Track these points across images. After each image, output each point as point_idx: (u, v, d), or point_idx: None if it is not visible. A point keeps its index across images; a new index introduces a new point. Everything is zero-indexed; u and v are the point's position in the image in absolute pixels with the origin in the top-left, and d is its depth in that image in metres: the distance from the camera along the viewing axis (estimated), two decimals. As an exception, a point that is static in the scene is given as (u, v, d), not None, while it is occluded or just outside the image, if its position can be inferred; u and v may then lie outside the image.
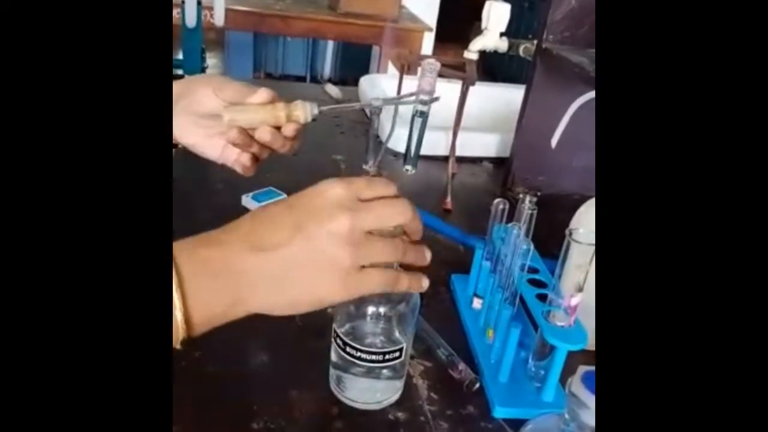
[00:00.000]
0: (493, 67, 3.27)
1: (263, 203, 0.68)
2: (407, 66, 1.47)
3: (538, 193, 0.85)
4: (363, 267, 0.36)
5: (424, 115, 0.56)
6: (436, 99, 0.54)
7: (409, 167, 0.59)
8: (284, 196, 0.70)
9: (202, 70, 1.02)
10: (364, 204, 0.37)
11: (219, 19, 1.29)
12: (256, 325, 0.51)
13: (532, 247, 0.48)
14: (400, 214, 0.38)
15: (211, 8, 1.38)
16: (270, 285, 0.35)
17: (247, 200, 0.69)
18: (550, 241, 0.55)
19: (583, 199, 0.65)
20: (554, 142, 0.58)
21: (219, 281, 0.34)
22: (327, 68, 3.16)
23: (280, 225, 0.36)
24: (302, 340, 0.50)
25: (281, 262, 0.35)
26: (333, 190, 0.37)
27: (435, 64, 0.53)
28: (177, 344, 0.33)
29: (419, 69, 0.55)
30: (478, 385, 0.48)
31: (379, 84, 1.09)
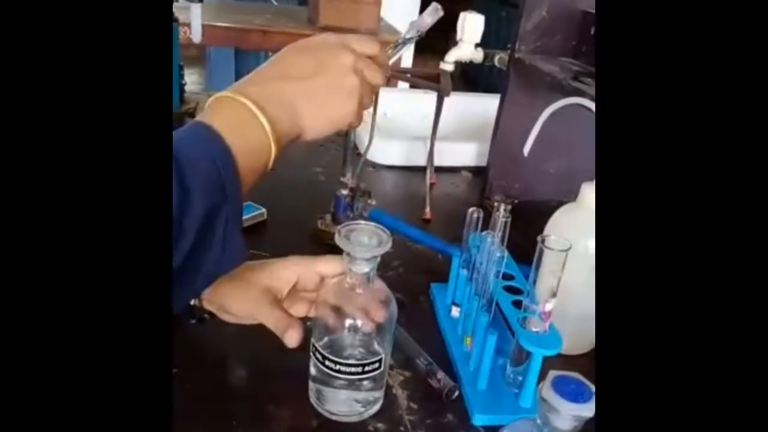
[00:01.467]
0: (473, 77, 3.31)
1: (243, 218, 0.68)
2: (387, 79, 1.48)
3: (516, 201, 0.87)
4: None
5: (409, 40, 0.64)
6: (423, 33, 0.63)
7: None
8: (263, 210, 0.70)
9: (181, 86, 1.02)
10: (356, 52, 0.47)
11: (196, 35, 1.29)
12: (234, 342, 0.51)
13: (506, 254, 0.49)
14: (372, 49, 0.48)
15: (188, 24, 1.38)
16: (311, 105, 0.44)
17: (225, 216, 0.68)
18: (527, 247, 0.56)
19: (560, 206, 0.66)
20: (527, 150, 0.58)
21: (281, 105, 0.43)
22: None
23: (304, 62, 0.45)
24: (281, 355, 0.50)
25: (315, 87, 0.44)
26: (331, 37, 0.48)
27: (439, 10, 0.61)
28: (270, 163, 0.42)
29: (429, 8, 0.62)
30: (457, 393, 0.48)
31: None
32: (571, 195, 0.71)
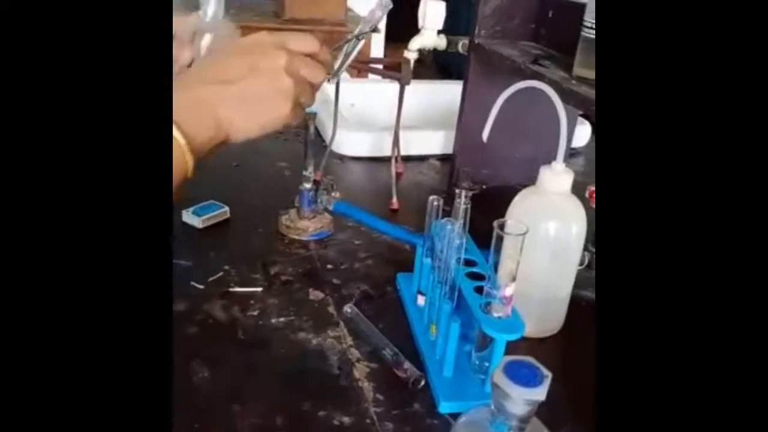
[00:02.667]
0: (445, 64, 3.30)
1: (204, 217, 0.67)
2: (357, 71, 1.47)
3: (483, 186, 0.87)
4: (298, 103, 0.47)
5: (359, 40, 0.62)
6: (374, 30, 0.62)
7: (332, 75, 0.63)
8: (226, 208, 0.69)
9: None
10: (292, 49, 0.47)
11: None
12: (196, 342, 0.50)
13: (465, 240, 0.48)
14: (310, 46, 0.48)
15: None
16: (240, 109, 0.44)
17: (187, 215, 0.67)
18: (492, 232, 0.56)
19: (526, 189, 0.66)
20: (485, 135, 0.58)
21: (204, 111, 0.42)
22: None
23: (235, 64, 0.44)
24: (243, 353, 0.50)
25: (244, 91, 0.44)
26: (266, 37, 0.47)
27: (389, 4, 0.61)
28: (189, 173, 0.41)
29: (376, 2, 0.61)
30: (423, 382, 0.48)
31: (324, 88, 1.08)
32: (537, 179, 0.71)
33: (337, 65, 0.61)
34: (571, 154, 1.00)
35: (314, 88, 0.49)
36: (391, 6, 0.60)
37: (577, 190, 0.55)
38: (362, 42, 0.62)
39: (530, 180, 0.86)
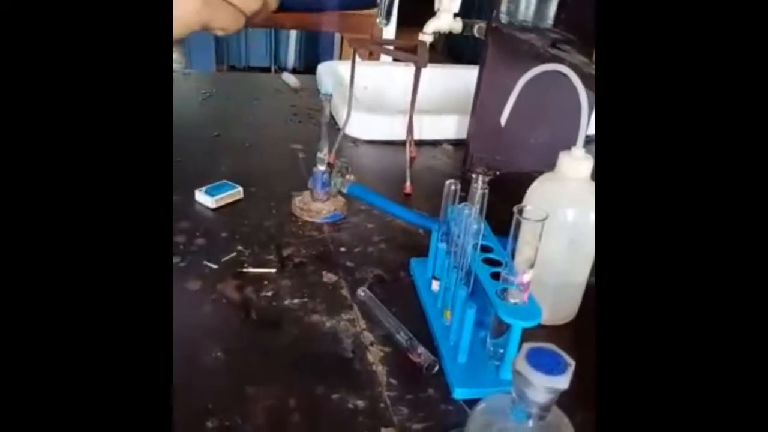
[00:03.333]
0: (458, 50, 3.26)
1: (218, 197, 0.67)
2: (368, 53, 1.45)
3: (497, 173, 0.86)
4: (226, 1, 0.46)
5: None
6: None
7: (383, 21, 0.66)
8: (239, 189, 0.69)
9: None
10: None
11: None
12: (210, 322, 0.50)
13: (483, 226, 0.48)
14: None
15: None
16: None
17: (200, 195, 0.67)
18: (508, 219, 0.55)
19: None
20: (503, 120, 0.57)
21: None
22: (291, 58, 3.12)
23: None
24: (257, 334, 0.50)
25: None
26: None
27: None
28: None
29: None
30: (437, 368, 0.48)
31: (337, 71, 1.08)
32: (553, 165, 0.70)
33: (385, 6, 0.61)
34: (587, 141, 0.99)
35: None
36: None
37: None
38: None
39: (545, 166, 0.85)
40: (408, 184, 0.76)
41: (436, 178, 0.83)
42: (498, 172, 0.85)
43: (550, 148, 0.85)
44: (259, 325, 0.50)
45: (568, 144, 0.54)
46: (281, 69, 3.10)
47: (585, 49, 0.64)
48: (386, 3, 0.60)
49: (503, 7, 0.74)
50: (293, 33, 3.00)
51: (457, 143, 0.93)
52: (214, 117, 0.93)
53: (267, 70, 3.07)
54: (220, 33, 0.48)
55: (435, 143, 0.94)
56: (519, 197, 0.56)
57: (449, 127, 0.95)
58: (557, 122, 0.82)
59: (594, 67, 0.59)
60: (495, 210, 0.50)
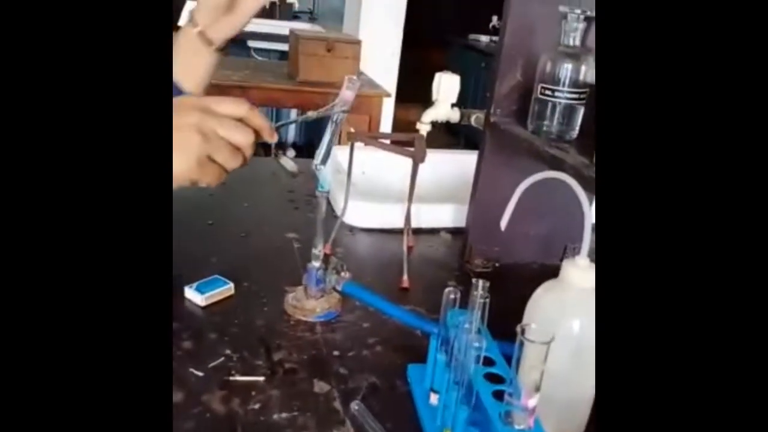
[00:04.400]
0: (455, 129, 3.34)
1: (207, 294, 0.64)
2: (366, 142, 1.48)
3: (497, 264, 0.84)
4: (212, 161, 0.51)
5: (337, 124, 0.64)
6: (348, 111, 0.63)
7: (319, 164, 0.67)
8: (230, 285, 0.67)
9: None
10: (215, 111, 0.52)
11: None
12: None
13: (484, 342, 0.45)
14: (236, 109, 0.53)
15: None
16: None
17: (190, 292, 0.65)
18: (508, 317, 0.52)
19: (542, 269, 0.63)
20: (503, 224, 0.56)
21: None
22: (291, 134, 3.18)
23: None
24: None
25: None
26: (191, 99, 0.52)
27: (356, 81, 0.62)
28: None
29: (344, 81, 0.63)
30: (436, 497, 0.44)
31: (335, 156, 1.08)
32: (553, 257, 0.68)
33: (322, 150, 0.64)
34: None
35: (238, 149, 0.53)
36: (359, 84, 0.62)
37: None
38: (339, 124, 0.64)
39: (545, 257, 0.83)
40: (405, 278, 0.74)
41: (434, 271, 0.81)
42: (497, 264, 0.83)
43: (549, 240, 0.84)
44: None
45: (565, 236, 0.52)
46: (282, 145, 3.15)
47: (584, 148, 0.64)
48: (325, 146, 0.63)
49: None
50: (293, 110, 3.07)
51: (455, 231, 0.92)
52: (208, 203, 0.92)
53: (268, 146, 3.12)
54: (203, 185, 0.53)
55: (433, 231, 0.92)
56: (517, 291, 0.54)
57: (447, 215, 0.94)
58: (556, 214, 0.81)
59: (594, 168, 0.59)
60: (493, 305, 0.47)
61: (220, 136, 0.52)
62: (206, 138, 0.50)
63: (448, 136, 3.62)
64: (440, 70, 0.96)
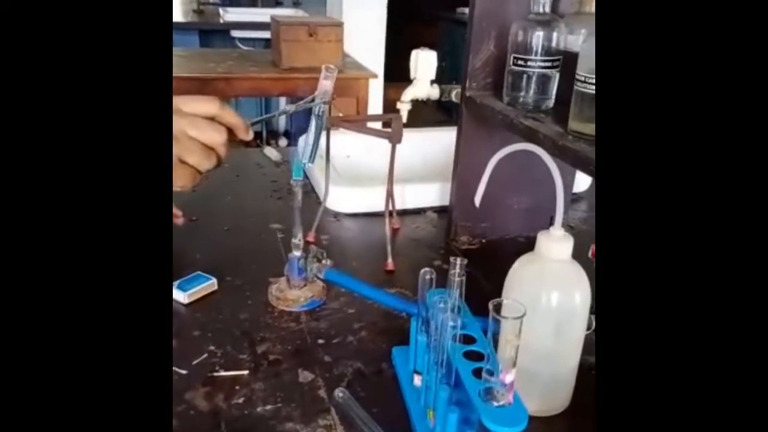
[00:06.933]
0: (449, 105, 3.31)
1: (190, 291, 0.64)
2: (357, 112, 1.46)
3: (483, 240, 0.83)
4: (184, 163, 0.49)
5: (321, 116, 0.63)
6: (329, 102, 0.63)
7: (307, 162, 0.65)
8: (213, 280, 0.66)
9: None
10: (184, 112, 0.50)
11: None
12: None
13: (460, 321, 0.45)
14: (206, 108, 0.51)
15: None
16: None
17: (173, 290, 0.64)
18: (494, 294, 0.52)
19: (528, 242, 0.62)
20: (477, 200, 0.55)
21: None
22: (282, 122, 3.16)
23: None
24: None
25: None
26: None
27: (333, 70, 0.61)
28: None
29: (321, 71, 0.61)
30: (421, 479, 0.44)
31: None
32: (539, 230, 0.67)
33: (309, 146, 0.63)
34: (573, 199, 0.97)
35: (210, 148, 0.51)
36: (336, 71, 0.61)
37: (580, 244, 0.51)
38: (323, 117, 0.63)
39: (530, 230, 0.82)
40: (389, 261, 0.74)
41: (420, 251, 0.80)
42: (483, 240, 0.83)
43: (534, 212, 0.83)
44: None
45: (553, 207, 0.51)
46: (274, 134, 3.14)
47: (560, 117, 0.63)
48: (312, 141, 0.61)
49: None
50: (282, 99, 3.05)
51: (441, 210, 0.91)
52: (191, 199, 0.92)
53: (259, 134, 3.10)
54: (177, 189, 0.51)
55: (418, 211, 0.92)
56: (506, 266, 0.53)
57: (433, 194, 0.93)
58: (539, 185, 0.80)
59: (569, 137, 0.58)
60: (481, 283, 0.47)
61: (190, 136, 0.50)
62: (176, 139, 0.49)
63: (439, 113, 3.58)
64: (431, 46, 0.94)
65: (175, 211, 0.68)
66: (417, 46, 0.96)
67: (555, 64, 0.66)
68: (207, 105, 0.51)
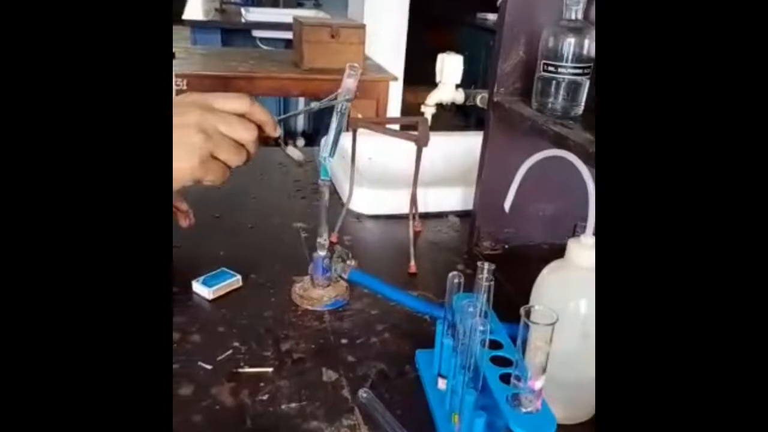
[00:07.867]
0: (466, 109, 3.31)
1: (215, 287, 0.64)
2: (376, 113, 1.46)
3: (506, 246, 0.83)
4: (215, 158, 0.51)
5: (342, 114, 0.63)
6: (352, 99, 0.62)
7: (327, 156, 0.64)
8: (238, 277, 0.67)
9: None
10: (216, 109, 0.52)
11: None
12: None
13: (489, 326, 0.45)
14: (237, 105, 0.53)
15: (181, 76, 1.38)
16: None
17: (197, 286, 0.65)
18: (518, 300, 0.52)
19: (552, 249, 0.62)
20: (507, 206, 0.55)
21: None
22: (300, 123, 3.17)
23: None
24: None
25: None
26: (192, 96, 0.52)
27: (357, 68, 0.61)
28: None
29: (345, 70, 0.61)
30: (446, 482, 0.44)
31: (341, 144, 1.07)
32: (564, 237, 0.67)
33: (330, 142, 0.62)
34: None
35: (241, 145, 0.53)
36: (360, 71, 0.61)
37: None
38: (345, 114, 0.63)
39: (554, 237, 0.82)
40: (412, 263, 0.74)
41: (442, 255, 0.80)
42: (506, 246, 0.82)
43: (558, 219, 0.83)
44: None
45: (576, 215, 0.51)
46: (292, 135, 3.15)
47: (590, 124, 0.63)
48: (333, 137, 0.61)
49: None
50: (301, 99, 3.06)
51: (463, 214, 0.91)
52: (215, 196, 0.92)
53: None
54: (208, 184, 0.53)
55: (440, 215, 0.92)
56: (528, 272, 0.53)
57: (455, 198, 0.93)
58: (565, 192, 0.80)
59: (599, 144, 0.57)
60: (504, 288, 0.46)
61: (222, 133, 0.51)
62: (208, 136, 0.50)
63: (458, 117, 3.58)
64: (450, 50, 0.95)
65: (184, 207, 0.68)
66: (435, 51, 0.96)
67: (585, 71, 0.66)
68: (238, 102, 0.53)
